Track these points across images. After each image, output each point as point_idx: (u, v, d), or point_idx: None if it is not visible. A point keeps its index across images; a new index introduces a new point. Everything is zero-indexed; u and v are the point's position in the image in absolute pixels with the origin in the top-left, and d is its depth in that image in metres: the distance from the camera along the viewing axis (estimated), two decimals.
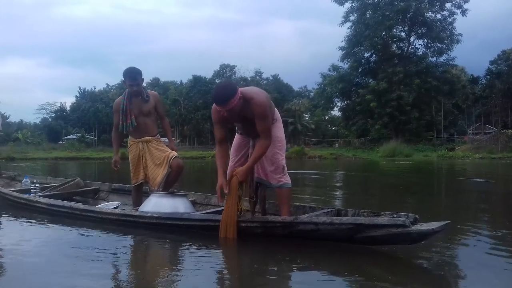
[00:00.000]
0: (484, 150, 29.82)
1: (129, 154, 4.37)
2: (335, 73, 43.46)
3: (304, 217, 2.89)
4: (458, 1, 39.24)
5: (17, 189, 5.51)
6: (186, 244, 3.12)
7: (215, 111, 3.17)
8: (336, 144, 46.91)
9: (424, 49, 42.27)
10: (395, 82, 39.10)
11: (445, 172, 14.81)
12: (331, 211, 3.28)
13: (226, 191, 3.07)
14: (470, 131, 43.51)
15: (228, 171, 3.30)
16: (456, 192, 7.55)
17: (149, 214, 3.45)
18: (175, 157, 4.22)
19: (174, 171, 4.18)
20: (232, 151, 3.53)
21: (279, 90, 62.53)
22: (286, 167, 3.34)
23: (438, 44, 40.54)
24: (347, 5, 41.24)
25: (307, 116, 60.30)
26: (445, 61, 41.14)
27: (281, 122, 3.50)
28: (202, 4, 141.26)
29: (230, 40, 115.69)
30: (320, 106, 50.55)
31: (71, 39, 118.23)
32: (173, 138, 5.49)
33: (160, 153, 4.28)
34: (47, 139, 48.73)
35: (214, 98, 3.06)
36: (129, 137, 4.43)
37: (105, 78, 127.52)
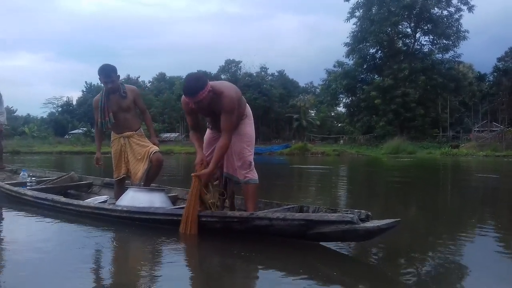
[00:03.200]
0: (489, 148, 29.61)
1: (112, 149, 4.45)
2: (340, 69, 43.32)
3: (260, 213, 2.95)
4: None
5: (13, 182, 5.66)
6: (148, 238, 3.18)
7: (185, 102, 3.20)
8: (341, 141, 46.79)
9: (430, 46, 42.15)
10: (400, 79, 38.92)
11: (443, 169, 14.79)
12: (293, 207, 3.32)
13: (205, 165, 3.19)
14: (475, 129, 43.14)
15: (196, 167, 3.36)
16: (448, 189, 7.60)
17: (119, 208, 3.54)
18: (155, 151, 4.29)
19: (154, 165, 4.24)
20: (203, 146, 3.55)
21: (285, 86, 62.36)
22: (253, 163, 3.37)
23: (444, 41, 40.34)
24: (353, 0, 41.13)
25: (312, 112, 60.13)
26: (451, 58, 40.93)
27: (252, 119, 3.54)
28: None
29: (236, 34, 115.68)
30: (325, 103, 50.46)
31: (78, 33, 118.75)
32: (175, 134, 5.54)
33: (141, 148, 4.33)
34: (53, 133, 48.96)
35: (183, 89, 3.10)
36: (111, 133, 4.50)
37: None
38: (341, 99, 47.11)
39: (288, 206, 3.35)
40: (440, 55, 41.45)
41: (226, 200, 3.55)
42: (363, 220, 2.62)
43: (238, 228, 2.96)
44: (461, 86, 41.37)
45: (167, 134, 50.74)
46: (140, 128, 4.52)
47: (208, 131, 3.64)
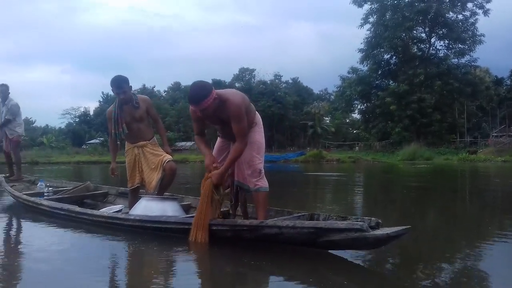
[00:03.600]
0: (507, 153, 29.05)
1: (126, 158, 4.51)
2: (354, 75, 43.16)
3: (269, 221, 2.95)
4: (480, 1, 38.52)
5: (31, 192, 5.79)
6: (160, 247, 3.19)
7: (193, 110, 3.23)
8: (357, 148, 46.48)
9: (445, 50, 41.68)
10: (416, 84, 38.59)
11: (460, 175, 14.56)
12: (304, 215, 3.32)
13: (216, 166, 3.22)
14: (494, 134, 42.41)
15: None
16: (466, 196, 7.48)
17: (132, 217, 3.58)
18: (169, 160, 4.33)
19: (168, 174, 4.29)
20: (213, 153, 3.57)
21: (299, 93, 62.38)
22: (263, 171, 3.37)
23: (460, 45, 39.85)
24: (366, 6, 41.02)
25: (327, 119, 59.93)
26: (467, 62, 40.44)
27: (261, 127, 3.54)
28: (222, 8, 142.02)
29: (250, 43, 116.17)
30: (340, 109, 50.26)
31: (94, 46, 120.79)
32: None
33: (154, 158, 4.38)
34: (71, 144, 49.71)
35: (188, 97, 3.12)
36: (126, 142, 4.57)
37: None
38: (356, 105, 46.89)
39: (299, 214, 3.34)
40: (456, 60, 41.00)
41: (238, 208, 3.56)
42: (373, 228, 2.60)
43: (248, 236, 2.96)
44: (478, 90, 40.82)
45: (183, 143, 51.03)
46: (154, 137, 4.57)
47: (218, 139, 3.66)
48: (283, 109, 55.02)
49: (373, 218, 2.76)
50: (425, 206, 6.14)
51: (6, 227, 4.39)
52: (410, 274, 2.62)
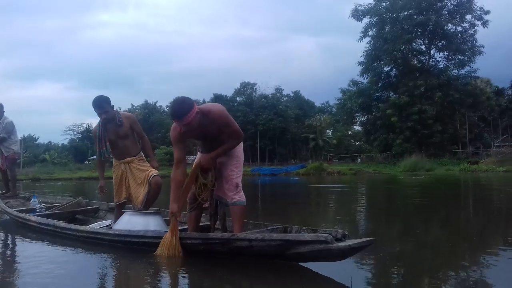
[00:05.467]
0: (509, 163, 28.99)
1: (113, 174, 4.60)
2: (354, 88, 43.37)
3: (240, 234, 2.99)
4: (478, 12, 38.83)
5: (23, 208, 5.87)
6: (134, 261, 3.23)
7: (174, 129, 3.28)
8: (359, 160, 46.46)
9: (445, 62, 41.93)
10: (416, 96, 38.70)
11: (460, 185, 14.54)
12: (278, 228, 3.36)
13: (179, 219, 3.25)
14: (496, 144, 42.33)
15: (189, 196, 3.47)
16: (465, 206, 7.48)
17: (111, 232, 3.65)
18: (154, 175, 4.41)
19: (153, 189, 4.35)
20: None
21: (300, 106, 62.61)
22: (240, 185, 3.41)
23: (460, 56, 40.13)
24: (365, 20, 41.42)
25: (329, 132, 60.04)
26: (467, 73, 40.57)
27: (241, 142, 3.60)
28: (224, 23, 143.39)
29: (251, 57, 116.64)
30: (341, 122, 50.40)
31: (97, 62, 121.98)
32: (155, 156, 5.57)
33: (141, 173, 4.47)
34: (73, 160, 49.99)
35: (171, 113, 3.18)
36: (113, 159, 4.67)
37: (130, 98, 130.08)
38: (357, 117, 47.02)
39: (273, 227, 3.39)
40: (456, 71, 41.21)
41: (218, 222, 3.62)
42: (339, 240, 2.65)
43: (221, 250, 3.00)
44: (478, 101, 40.91)
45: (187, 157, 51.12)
46: (140, 152, 4.65)
47: (198, 155, 3.73)
48: (284, 122, 55.18)
49: (339, 230, 2.80)
50: (424, 217, 6.13)
51: None
52: (415, 286, 2.63)
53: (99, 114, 4.33)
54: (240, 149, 3.55)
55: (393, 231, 5.07)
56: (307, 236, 2.63)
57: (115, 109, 4.46)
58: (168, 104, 70.69)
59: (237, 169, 3.46)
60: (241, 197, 3.41)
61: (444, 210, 7.13)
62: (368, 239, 2.61)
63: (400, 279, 2.84)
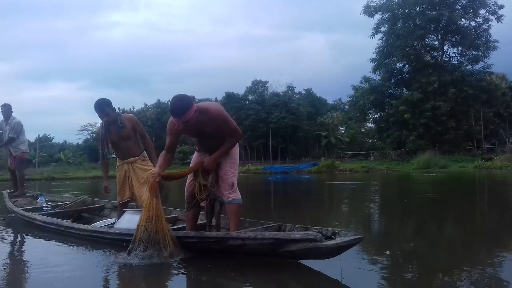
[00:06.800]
0: None
1: (117, 174, 4.70)
2: (367, 85, 43.01)
3: (233, 233, 3.02)
4: (492, 7, 38.16)
5: (30, 207, 6.00)
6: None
7: (171, 124, 3.33)
8: (372, 157, 46.13)
9: (458, 57, 41.23)
10: (429, 92, 38.17)
11: (473, 182, 14.35)
12: (272, 226, 3.38)
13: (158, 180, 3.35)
14: (511, 140, 41.62)
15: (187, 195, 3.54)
16: (479, 203, 7.40)
17: (112, 231, 3.72)
18: None
19: None
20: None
21: (313, 104, 62.35)
22: (236, 184, 3.45)
23: (473, 52, 39.32)
24: (377, 16, 40.99)
25: (342, 129, 59.70)
26: (481, 68, 39.83)
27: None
28: (234, 22, 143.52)
29: (262, 56, 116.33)
30: (354, 119, 50.06)
31: (109, 62, 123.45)
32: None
33: (143, 172, 4.54)
34: (88, 159, 50.55)
35: (170, 111, 3.21)
36: (117, 159, 4.77)
37: (142, 98, 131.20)
38: (370, 114, 46.62)
39: (267, 225, 3.42)
40: (470, 67, 40.47)
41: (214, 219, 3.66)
42: (329, 238, 2.67)
43: (215, 248, 3.04)
44: (493, 97, 40.19)
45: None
46: (143, 152, 4.73)
47: (195, 154, 3.77)
48: (296, 120, 55.01)
49: (330, 228, 2.80)
50: (436, 213, 6.08)
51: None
52: (430, 283, 2.63)
53: (101, 117, 4.44)
54: (235, 149, 3.58)
55: (406, 229, 5.05)
56: (297, 234, 2.65)
57: (115, 111, 4.55)
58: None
59: (232, 168, 3.50)
60: (236, 196, 3.44)
61: (457, 207, 7.07)
62: (357, 237, 2.63)
63: (412, 276, 2.85)
